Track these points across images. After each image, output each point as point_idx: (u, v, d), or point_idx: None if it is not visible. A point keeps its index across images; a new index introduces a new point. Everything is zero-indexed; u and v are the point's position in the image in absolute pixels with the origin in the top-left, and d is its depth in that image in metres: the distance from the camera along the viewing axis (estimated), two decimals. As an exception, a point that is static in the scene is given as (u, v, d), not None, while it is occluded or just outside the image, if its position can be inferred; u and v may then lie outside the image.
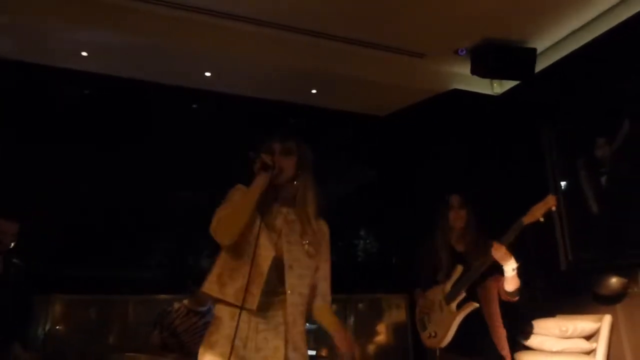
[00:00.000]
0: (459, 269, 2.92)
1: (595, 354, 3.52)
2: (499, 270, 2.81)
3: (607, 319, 3.59)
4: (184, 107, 4.82)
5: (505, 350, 2.87)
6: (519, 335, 3.78)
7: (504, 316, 2.96)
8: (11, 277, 3.06)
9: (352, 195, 5.45)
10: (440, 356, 2.90)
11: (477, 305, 2.85)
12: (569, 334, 3.56)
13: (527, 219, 2.73)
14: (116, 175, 4.50)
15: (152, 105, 4.62)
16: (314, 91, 4.81)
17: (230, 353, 1.80)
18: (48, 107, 4.33)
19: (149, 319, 3.80)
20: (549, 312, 3.91)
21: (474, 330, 2.85)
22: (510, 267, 2.75)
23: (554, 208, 2.71)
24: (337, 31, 4.21)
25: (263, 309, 1.91)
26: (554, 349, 3.58)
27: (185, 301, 3.76)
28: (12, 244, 3.13)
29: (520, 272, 2.79)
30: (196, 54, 4.18)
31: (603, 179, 3.99)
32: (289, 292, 1.94)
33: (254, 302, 1.88)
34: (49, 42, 3.94)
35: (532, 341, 3.69)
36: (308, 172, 2.08)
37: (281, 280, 1.95)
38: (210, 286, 1.96)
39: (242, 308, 1.84)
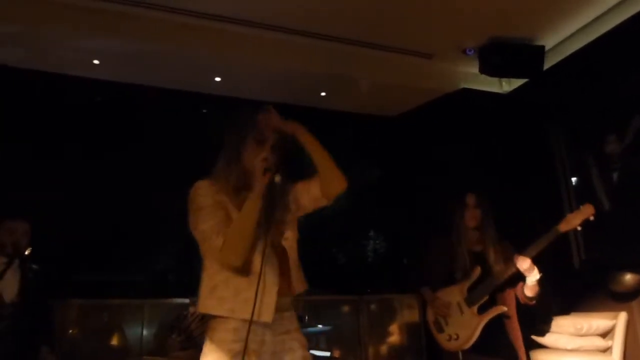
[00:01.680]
0: (478, 269, 2.92)
1: (611, 352, 3.51)
2: (520, 277, 2.83)
3: (623, 316, 3.58)
4: (194, 112, 4.85)
5: (522, 351, 2.90)
6: (534, 333, 3.77)
7: (519, 315, 2.97)
8: (31, 282, 3.10)
9: (362, 195, 5.46)
10: (464, 358, 2.88)
11: (505, 309, 2.87)
12: (584, 331, 3.55)
13: (564, 227, 2.71)
14: (128, 180, 4.54)
15: (163, 110, 4.66)
16: (323, 94, 4.83)
17: None
18: (60, 115, 4.37)
19: (164, 323, 3.84)
20: (564, 310, 3.90)
21: (494, 331, 2.85)
22: (533, 278, 2.77)
23: (592, 218, 2.68)
24: (345, 34, 4.23)
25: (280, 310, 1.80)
26: (569, 347, 3.57)
27: (201, 305, 3.79)
28: (28, 251, 3.16)
29: (542, 281, 2.81)
30: (206, 60, 4.21)
31: (614, 176, 3.98)
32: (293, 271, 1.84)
33: (268, 313, 1.73)
34: (61, 51, 3.98)
35: (547, 339, 3.69)
36: (289, 161, 1.86)
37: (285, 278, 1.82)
38: (206, 303, 1.76)
39: (250, 322, 1.66)
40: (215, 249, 1.74)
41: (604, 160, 4.02)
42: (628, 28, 3.81)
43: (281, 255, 1.85)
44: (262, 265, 1.72)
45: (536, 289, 2.82)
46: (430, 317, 3.10)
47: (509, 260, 2.82)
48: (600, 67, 4.05)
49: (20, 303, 3.01)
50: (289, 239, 1.89)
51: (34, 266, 3.18)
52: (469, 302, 2.91)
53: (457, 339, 2.90)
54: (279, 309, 1.78)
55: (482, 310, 2.88)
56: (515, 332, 2.92)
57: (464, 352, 2.89)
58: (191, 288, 4.21)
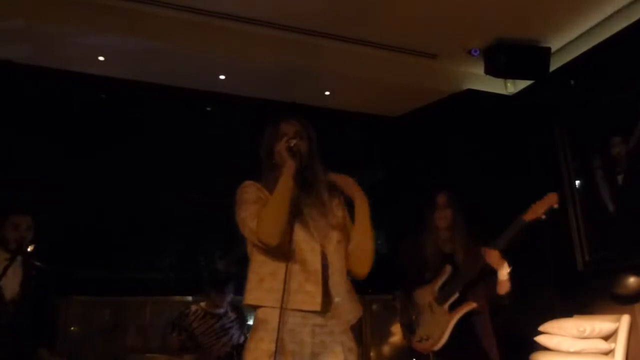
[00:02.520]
0: (448, 268, 2.87)
1: (613, 354, 3.49)
2: (492, 273, 2.76)
3: (626, 318, 3.56)
4: (199, 110, 4.86)
5: (493, 348, 2.82)
6: (535, 336, 3.76)
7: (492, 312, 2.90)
8: (33, 280, 3.08)
9: (365, 195, 5.45)
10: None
11: (475, 305, 2.79)
12: (586, 334, 3.53)
13: (528, 217, 2.71)
14: (132, 177, 4.55)
15: (168, 108, 4.66)
16: (327, 93, 4.83)
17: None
18: (66, 112, 4.38)
19: (166, 320, 3.84)
20: (567, 312, 3.88)
21: (465, 333, 2.79)
22: (504, 272, 2.71)
23: (555, 205, 2.69)
24: (350, 33, 4.22)
25: (323, 310, 1.76)
26: (572, 350, 3.54)
27: (202, 303, 3.79)
28: (31, 248, 3.14)
29: (512, 277, 2.74)
30: (210, 57, 4.21)
31: (619, 178, 3.95)
32: (334, 277, 1.81)
33: (315, 302, 1.74)
34: (66, 47, 3.99)
35: (549, 342, 3.67)
36: (317, 153, 1.97)
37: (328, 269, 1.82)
38: (253, 295, 1.80)
39: (299, 310, 1.70)
40: (252, 231, 1.78)
41: (609, 162, 4.00)
42: (634, 31, 3.79)
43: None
44: (299, 252, 1.75)
45: (507, 285, 2.74)
46: (402, 320, 3.03)
47: (479, 257, 2.76)
48: (606, 69, 4.03)
49: (21, 301, 2.99)
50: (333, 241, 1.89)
51: (37, 263, 3.16)
52: (440, 300, 2.84)
53: (427, 339, 2.81)
54: (323, 308, 1.76)
55: (453, 308, 2.81)
56: (486, 330, 2.84)
57: (435, 353, 2.80)
58: (194, 286, 4.23)
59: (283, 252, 1.76)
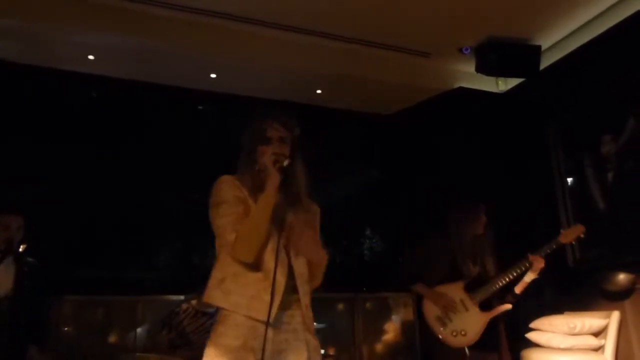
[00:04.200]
0: (477, 269, 3.09)
1: (603, 350, 3.52)
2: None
3: (615, 315, 3.59)
4: (190, 109, 4.85)
5: (505, 345, 3.08)
6: (527, 333, 3.78)
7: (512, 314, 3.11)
8: (25, 278, 3.07)
9: (358, 194, 5.45)
10: (470, 354, 2.97)
11: (510, 306, 3.02)
12: (577, 330, 3.56)
13: (562, 239, 3.04)
14: (123, 176, 4.53)
15: (159, 107, 4.65)
16: (319, 91, 4.82)
17: None
18: (56, 110, 4.36)
19: (158, 319, 3.82)
20: (557, 309, 3.90)
21: (491, 328, 3.01)
22: (533, 276, 3.00)
23: (582, 235, 3.06)
24: (342, 31, 4.23)
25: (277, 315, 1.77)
26: (563, 346, 3.57)
27: (193, 302, 3.78)
28: (23, 247, 3.13)
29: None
30: (201, 56, 4.20)
31: (609, 176, 3.98)
32: (299, 281, 1.83)
33: (269, 312, 1.71)
34: (56, 46, 3.98)
35: (540, 338, 3.69)
36: (298, 153, 1.92)
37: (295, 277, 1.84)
38: (212, 293, 1.81)
39: (267, 323, 1.68)
40: (228, 243, 1.77)
41: (599, 160, 4.02)
42: (624, 29, 3.82)
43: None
44: (276, 264, 1.72)
45: (525, 287, 3.03)
46: (432, 312, 3.11)
47: (496, 265, 3.08)
48: (596, 67, 4.06)
49: (13, 299, 2.98)
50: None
51: (29, 261, 3.14)
52: (473, 299, 3.02)
53: (464, 334, 2.99)
54: (284, 308, 1.79)
55: (483, 307, 3.02)
56: (503, 332, 3.09)
57: (470, 348, 2.99)
58: (186, 285, 4.22)
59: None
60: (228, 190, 1.85)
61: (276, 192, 1.79)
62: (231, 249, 1.76)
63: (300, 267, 1.87)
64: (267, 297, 1.71)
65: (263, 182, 1.83)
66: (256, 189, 1.85)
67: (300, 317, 1.84)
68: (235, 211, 1.81)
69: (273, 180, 1.80)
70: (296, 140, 1.93)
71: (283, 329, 1.79)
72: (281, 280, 1.77)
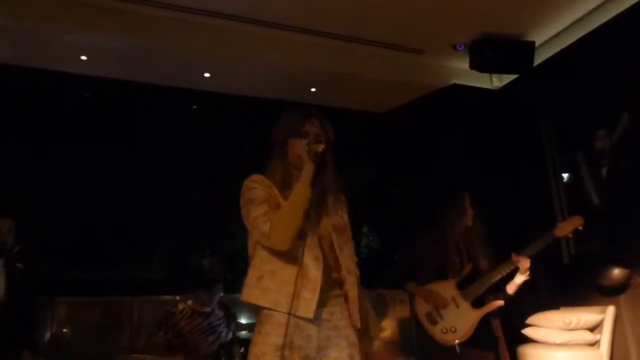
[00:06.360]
0: (470, 266, 3.05)
1: (599, 345, 3.53)
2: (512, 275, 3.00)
3: (611, 310, 3.60)
4: (184, 108, 4.83)
5: (502, 341, 3.08)
6: (522, 328, 3.79)
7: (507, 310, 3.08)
8: (17, 282, 3.05)
9: (354, 192, 5.45)
10: (461, 351, 2.95)
11: (501, 303, 3.00)
12: (572, 326, 3.56)
13: (558, 233, 3.00)
14: (118, 177, 4.52)
15: (153, 106, 4.63)
16: (313, 89, 4.81)
17: None
18: (48, 111, 4.34)
19: (154, 320, 3.82)
20: (553, 304, 3.92)
21: (484, 325, 2.99)
22: (523, 277, 2.98)
23: (580, 228, 3.00)
24: (335, 29, 4.21)
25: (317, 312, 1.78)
26: (558, 341, 3.58)
27: (189, 302, 3.77)
28: (17, 248, 3.11)
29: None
30: (195, 55, 4.18)
31: (604, 171, 3.99)
32: (345, 272, 1.84)
33: (309, 310, 1.74)
34: (49, 47, 3.95)
35: (535, 334, 3.70)
36: (332, 157, 1.94)
37: (331, 272, 1.84)
38: (250, 292, 1.80)
39: (295, 315, 1.71)
40: (263, 234, 1.76)
41: (594, 156, 4.03)
42: (617, 25, 3.82)
43: (329, 251, 1.87)
44: (302, 257, 1.75)
45: (517, 288, 3.01)
46: (422, 309, 3.12)
47: (490, 259, 3.03)
48: (589, 63, 4.06)
49: (5, 303, 2.96)
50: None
51: (19, 265, 3.13)
52: (465, 296, 3.01)
53: (454, 331, 2.98)
54: (323, 304, 1.79)
55: (476, 304, 3.00)
56: (498, 329, 3.08)
57: (461, 345, 2.97)
58: (182, 286, 4.21)
59: (289, 253, 1.77)
60: (259, 188, 1.86)
61: (310, 180, 1.80)
62: (267, 239, 1.76)
63: (345, 259, 1.89)
64: (307, 294, 1.74)
65: (293, 179, 1.87)
66: (286, 187, 1.87)
67: (341, 312, 1.85)
68: (267, 205, 1.82)
69: (307, 169, 1.81)
70: (330, 144, 1.92)
71: (324, 326, 1.80)
72: (317, 276, 1.78)
